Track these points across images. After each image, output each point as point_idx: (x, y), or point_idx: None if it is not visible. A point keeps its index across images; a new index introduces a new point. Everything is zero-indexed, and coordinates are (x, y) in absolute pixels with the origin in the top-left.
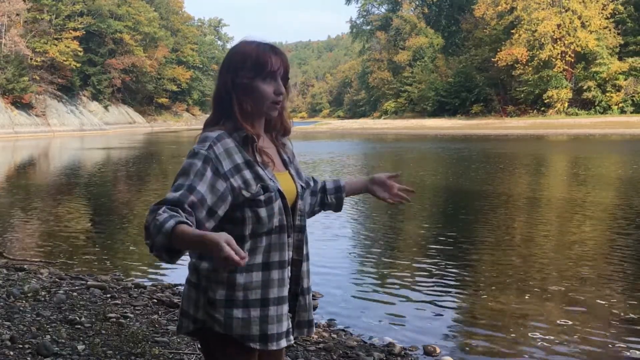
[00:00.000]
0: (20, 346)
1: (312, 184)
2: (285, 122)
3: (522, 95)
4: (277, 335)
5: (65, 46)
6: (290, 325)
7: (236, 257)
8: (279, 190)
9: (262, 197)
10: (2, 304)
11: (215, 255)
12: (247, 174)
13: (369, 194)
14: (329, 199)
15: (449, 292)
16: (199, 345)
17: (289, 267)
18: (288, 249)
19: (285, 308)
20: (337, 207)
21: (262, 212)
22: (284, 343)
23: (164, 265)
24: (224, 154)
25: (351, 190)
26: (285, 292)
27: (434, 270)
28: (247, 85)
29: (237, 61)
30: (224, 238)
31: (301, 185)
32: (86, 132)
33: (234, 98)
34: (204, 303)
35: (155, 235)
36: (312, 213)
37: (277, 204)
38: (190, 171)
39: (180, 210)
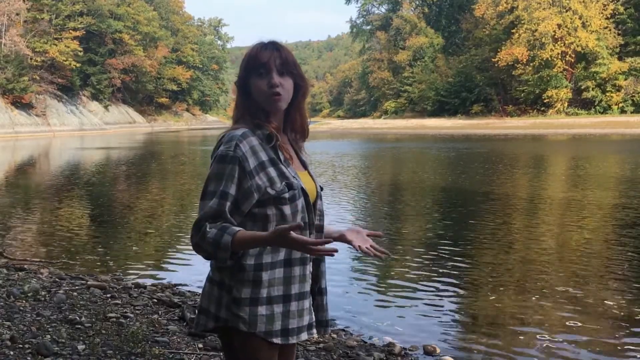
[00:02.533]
0: (21, 346)
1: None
2: (304, 121)
3: (522, 95)
4: (297, 329)
5: (65, 46)
6: (313, 320)
7: (323, 246)
8: (302, 188)
9: (286, 195)
10: (2, 303)
11: (299, 250)
12: (272, 171)
13: (342, 242)
14: None
15: (449, 292)
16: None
17: (310, 264)
18: None
19: (307, 303)
20: None
21: (287, 209)
22: (304, 336)
23: (165, 265)
24: (249, 151)
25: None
26: (307, 287)
27: (434, 270)
28: (245, 84)
29: (240, 64)
30: (299, 240)
31: (320, 186)
32: (86, 132)
33: (240, 98)
34: (228, 302)
35: (215, 252)
36: None
37: (300, 202)
38: (222, 176)
39: (223, 222)
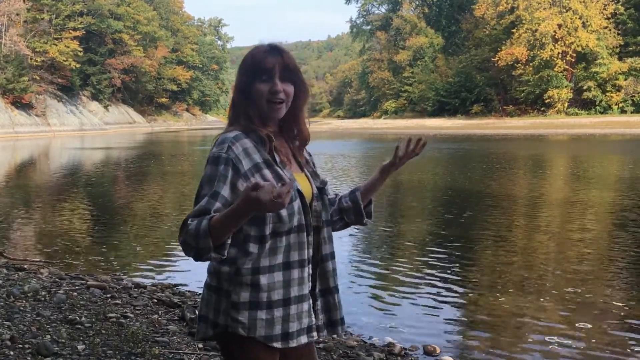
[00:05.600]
0: (20, 346)
1: (329, 190)
2: (300, 126)
3: (522, 95)
4: (297, 332)
5: (65, 46)
6: (313, 322)
7: (278, 190)
8: (298, 190)
9: None
10: (2, 303)
11: (261, 208)
12: (267, 173)
13: (388, 174)
14: (344, 202)
15: (449, 292)
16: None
17: (309, 266)
18: (308, 247)
19: (306, 305)
20: (356, 211)
21: (283, 211)
22: (304, 339)
23: (165, 265)
24: (242, 153)
25: (368, 186)
26: (305, 290)
27: (434, 270)
28: (246, 88)
29: (240, 66)
30: (253, 192)
31: (317, 187)
32: (86, 132)
33: (238, 101)
34: (226, 307)
35: (197, 242)
36: (333, 224)
37: (297, 203)
38: (213, 178)
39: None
